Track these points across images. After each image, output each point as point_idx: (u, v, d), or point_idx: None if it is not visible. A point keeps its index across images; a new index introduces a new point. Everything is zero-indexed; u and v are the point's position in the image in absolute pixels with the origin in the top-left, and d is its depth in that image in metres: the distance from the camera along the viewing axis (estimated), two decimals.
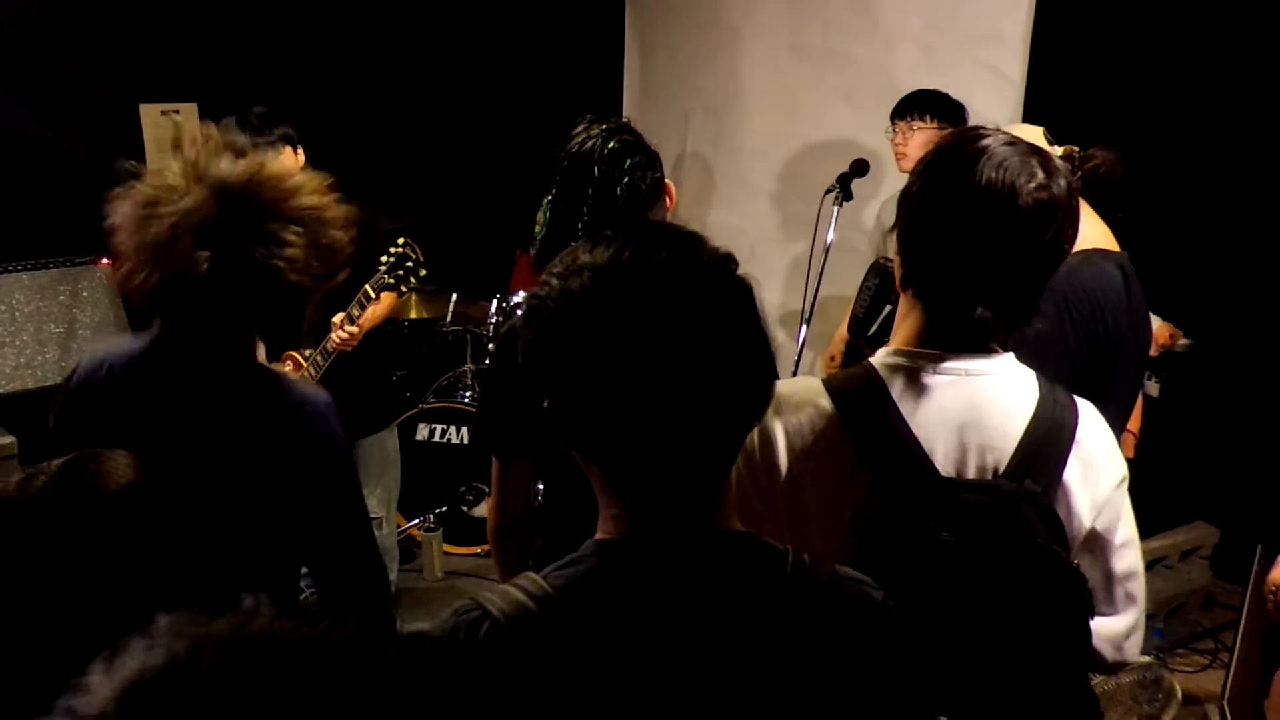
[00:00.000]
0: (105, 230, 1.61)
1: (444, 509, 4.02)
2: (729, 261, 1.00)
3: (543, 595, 0.94)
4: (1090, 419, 1.41)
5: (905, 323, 1.39)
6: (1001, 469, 1.32)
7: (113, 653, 0.58)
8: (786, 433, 1.34)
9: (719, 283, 0.98)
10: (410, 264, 2.86)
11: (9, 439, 3.37)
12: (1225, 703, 2.96)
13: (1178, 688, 2.96)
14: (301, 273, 1.53)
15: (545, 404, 0.99)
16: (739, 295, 0.99)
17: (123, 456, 1.29)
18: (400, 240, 2.87)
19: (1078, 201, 1.36)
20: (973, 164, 1.31)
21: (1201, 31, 3.40)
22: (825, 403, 1.34)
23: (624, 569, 0.97)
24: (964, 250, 1.32)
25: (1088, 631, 1.32)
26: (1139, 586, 1.46)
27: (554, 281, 0.97)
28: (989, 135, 1.35)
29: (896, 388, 1.34)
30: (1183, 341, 3.40)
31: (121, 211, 1.57)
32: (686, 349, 0.93)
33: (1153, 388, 3.35)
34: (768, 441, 1.34)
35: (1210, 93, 3.41)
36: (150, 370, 1.62)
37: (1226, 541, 3.55)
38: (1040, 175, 1.31)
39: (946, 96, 3.21)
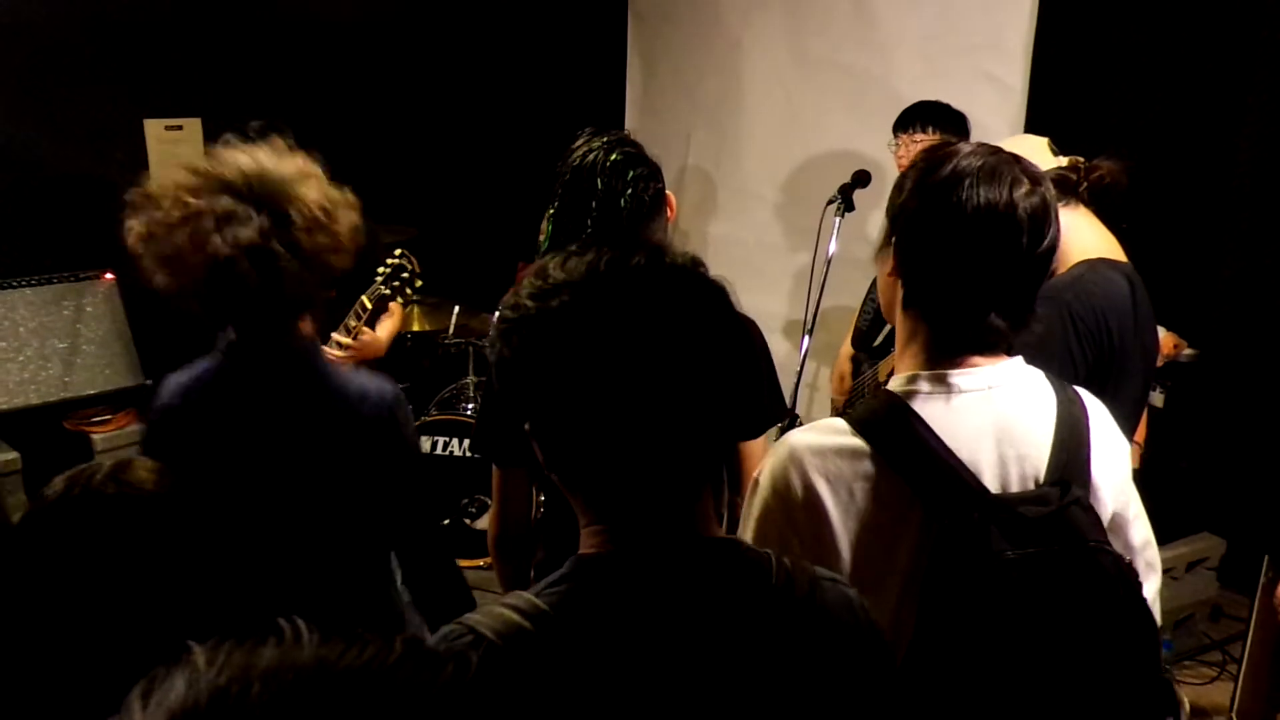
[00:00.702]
0: (122, 248, 1.72)
1: (446, 522, 4.01)
2: (698, 265, 0.99)
3: (537, 613, 0.93)
4: (1095, 408, 1.43)
5: (911, 345, 1.38)
6: (1041, 476, 1.33)
7: (149, 686, 0.55)
8: (829, 483, 1.30)
9: (696, 288, 0.96)
10: (406, 275, 2.84)
11: (13, 454, 3.37)
12: (1233, 715, 2.94)
13: (1186, 700, 2.94)
14: (313, 246, 1.64)
15: (527, 427, 0.97)
16: (717, 298, 0.98)
17: (147, 464, 1.34)
18: (397, 251, 2.86)
19: (1056, 200, 1.37)
20: (963, 182, 1.31)
21: (1203, 39, 3.40)
22: (859, 443, 1.31)
23: (614, 584, 0.97)
24: (972, 269, 1.32)
25: (1153, 623, 1.33)
26: (1155, 553, 1.51)
27: (529, 302, 0.95)
28: (967, 149, 1.35)
29: (927, 412, 1.32)
30: (1187, 351, 3.38)
31: (138, 228, 1.67)
32: (673, 359, 0.92)
33: (1158, 398, 3.33)
34: (811, 498, 1.31)
35: (1213, 101, 3.41)
36: (223, 384, 1.74)
37: (1233, 552, 3.53)
38: (1026, 182, 1.32)
39: (948, 107, 3.21)
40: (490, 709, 0.90)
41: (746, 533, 1.36)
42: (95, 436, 3.60)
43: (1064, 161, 1.97)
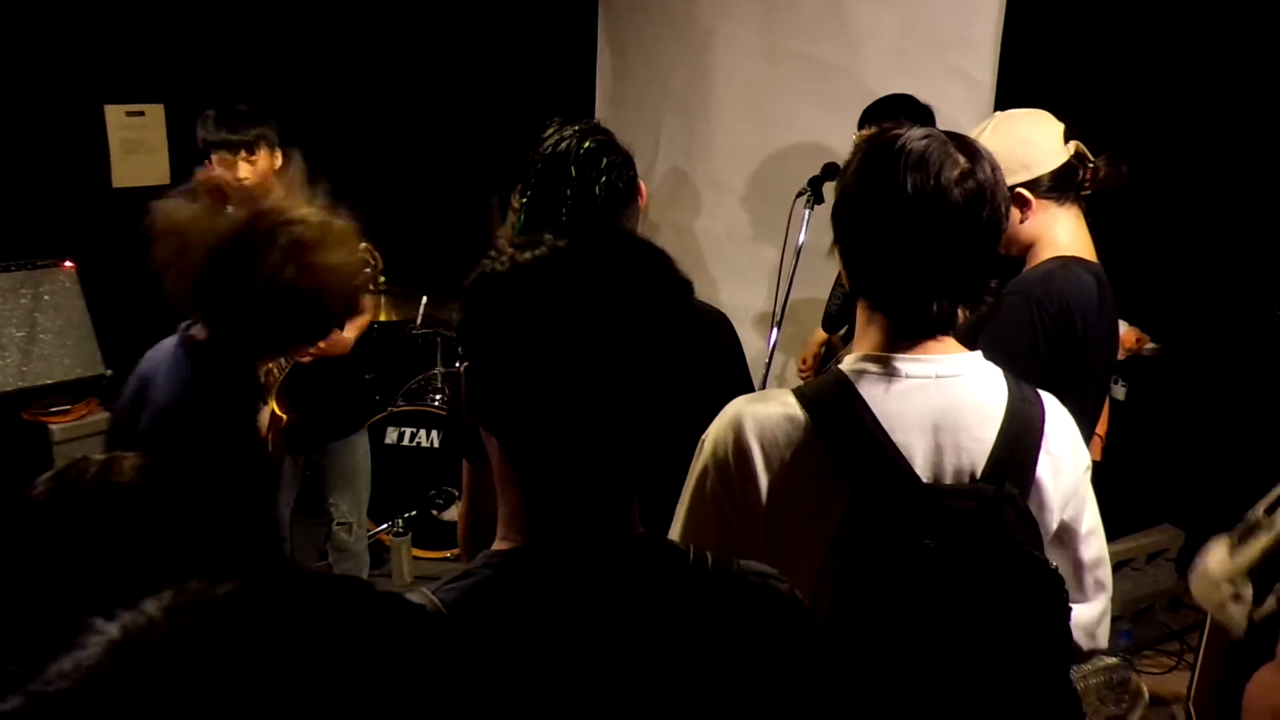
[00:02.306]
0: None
1: (413, 513, 3.98)
2: (688, 287, 0.98)
3: (432, 611, 0.91)
4: (1055, 412, 1.42)
5: (867, 331, 1.39)
6: (978, 471, 1.32)
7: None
8: (763, 447, 1.32)
9: (667, 277, 0.96)
10: (368, 270, 2.83)
11: None
12: (1190, 703, 2.99)
13: (1145, 688, 2.99)
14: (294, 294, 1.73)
15: (462, 367, 0.96)
16: (684, 292, 0.97)
17: (132, 460, 1.37)
18: (360, 246, 2.85)
19: (1001, 175, 1.36)
20: (894, 169, 1.30)
21: (1169, 37, 3.44)
22: (799, 414, 1.32)
23: (517, 580, 0.94)
24: (907, 256, 1.32)
25: (1068, 632, 1.33)
26: (1106, 573, 1.50)
27: (508, 249, 0.95)
28: (902, 136, 1.34)
29: (870, 393, 1.32)
30: (1149, 346, 3.44)
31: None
32: (620, 340, 0.91)
33: (1119, 391, 3.38)
34: (744, 458, 1.32)
35: (1178, 98, 3.45)
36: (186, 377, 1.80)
37: (1192, 544, 3.59)
38: (962, 161, 1.31)
39: (912, 102, 3.22)
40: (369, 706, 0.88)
41: (686, 492, 1.37)
42: (54, 427, 3.54)
43: (1070, 149, 1.98)
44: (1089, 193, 2.00)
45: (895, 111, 3.20)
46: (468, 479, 1.89)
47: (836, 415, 1.31)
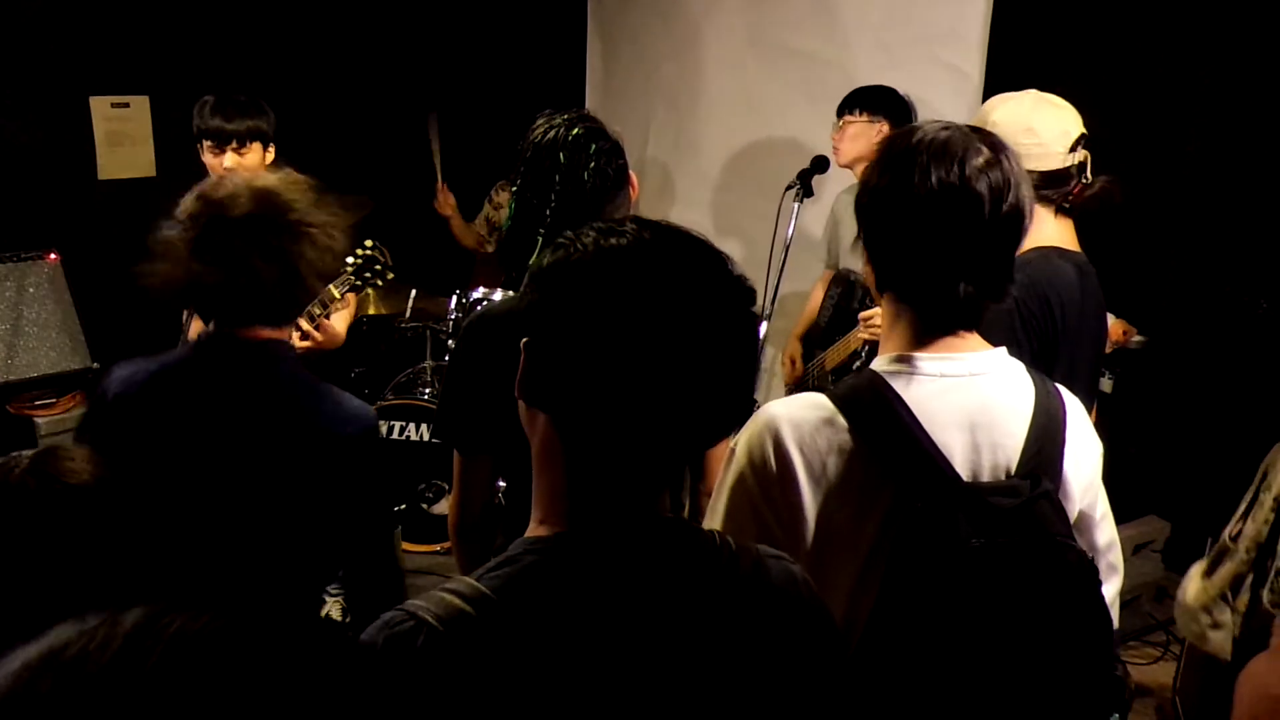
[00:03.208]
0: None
1: (403, 506, 3.98)
2: (754, 294, 1.01)
3: (478, 597, 0.91)
4: (1072, 405, 1.45)
5: (895, 330, 1.39)
6: (1013, 467, 1.34)
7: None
8: (803, 452, 1.32)
9: (742, 297, 0.99)
10: (379, 267, 2.81)
11: None
12: (1175, 694, 3.01)
13: (1131, 679, 3.01)
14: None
15: (524, 341, 0.96)
16: (752, 318, 1.00)
17: (82, 452, 1.29)
18: (368, 242, 2.83)
19: (1021, 165, 1.37)
20: (918, 161, 1.32)
21: (1156, 30, 3.45)
22: (838, 418, 1.32)
23: (559, 565, 0.95)
24: (933, 247, 1.33)
25: (1109, 619, 1.36)
26: (1118, 555, 1.54)
27: (591, 233, 0.96)
28: (928, 129, 1.36)
29: (908, 394, 1.33)
30: (1136, 338, 3.45)
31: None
32: (696, 334, 0.93)
33: (1106, 384, 3.39)
34: (785, 464, 1.32)
35: (1166, 91, 3.47)
36: (186, 378, 1.73)
37: (1177, 535, 3.61)
38: (985, 151, 1.32)
39: (886, 92, 3.23)
40: (431, 693, 0.87)
41: (719, 501, 1.37)
42: (39, 420, 3.53)
43: (1077, 157, 1.97)
44: (1069, 205, 1.99)
45: (859, 103, 3.21)
46: (459, 471, 1.88)
47: (877, 417, 1.32)
